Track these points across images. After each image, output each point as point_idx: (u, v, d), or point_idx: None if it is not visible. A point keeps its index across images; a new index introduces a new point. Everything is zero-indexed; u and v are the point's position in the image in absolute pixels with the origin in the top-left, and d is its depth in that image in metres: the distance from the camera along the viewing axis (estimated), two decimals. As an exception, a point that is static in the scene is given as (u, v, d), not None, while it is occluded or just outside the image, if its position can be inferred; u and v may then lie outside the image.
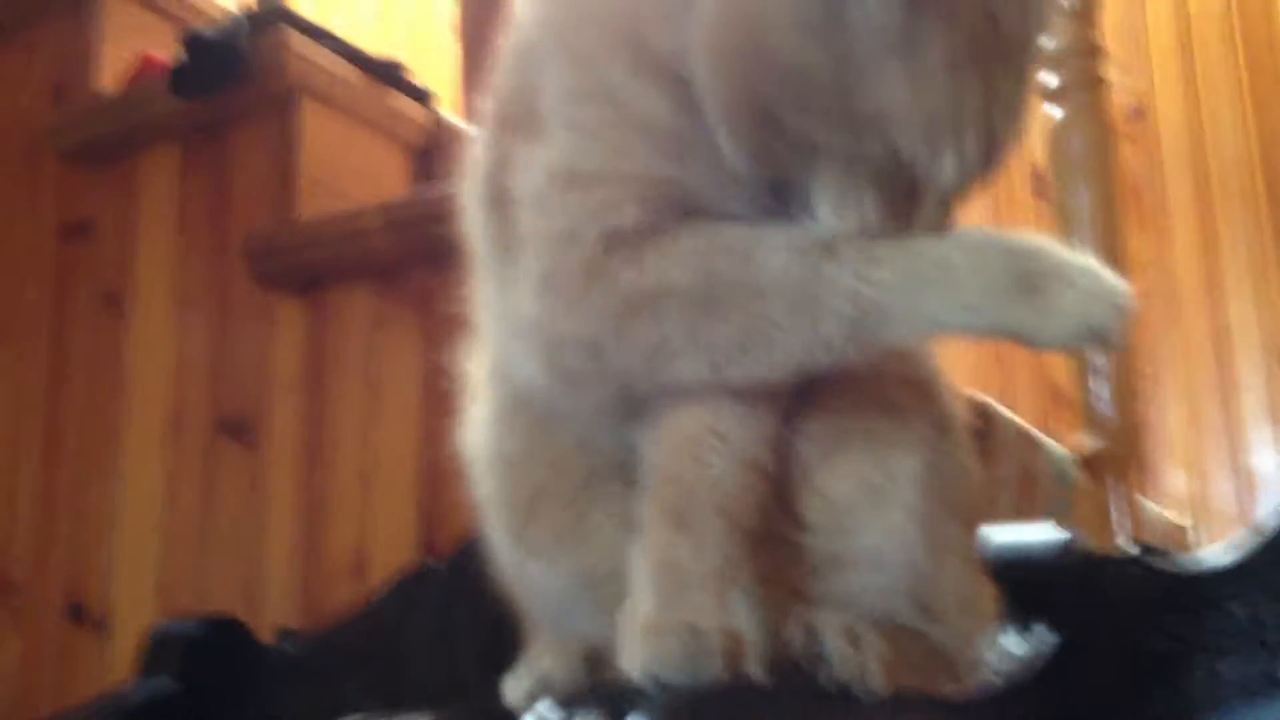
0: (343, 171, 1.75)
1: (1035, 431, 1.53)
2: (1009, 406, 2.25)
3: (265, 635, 1.37)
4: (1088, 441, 1.30)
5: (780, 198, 0.71)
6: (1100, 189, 1.31)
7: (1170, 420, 2.38)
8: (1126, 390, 1.27)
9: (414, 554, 1.47)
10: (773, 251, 0.70)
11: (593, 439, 0.79)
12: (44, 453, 1.80)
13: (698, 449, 0.73)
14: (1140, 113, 2.37)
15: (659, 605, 0.69)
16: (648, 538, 0.72)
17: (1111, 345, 0.70)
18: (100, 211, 1.86)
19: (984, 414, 1.54)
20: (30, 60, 1.97)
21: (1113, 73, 2.36)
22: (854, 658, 0.70)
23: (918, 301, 0.69)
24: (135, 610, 1.65)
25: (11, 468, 1.82)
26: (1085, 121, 1.34)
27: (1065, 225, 1.32)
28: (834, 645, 0.70)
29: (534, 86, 0.75)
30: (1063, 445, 1.45)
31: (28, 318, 1.88)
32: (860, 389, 0.77)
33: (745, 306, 0.70)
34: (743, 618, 0.72)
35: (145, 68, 1.88)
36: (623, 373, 0.73)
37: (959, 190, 0.70)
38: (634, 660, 0.68)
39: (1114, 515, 1.29)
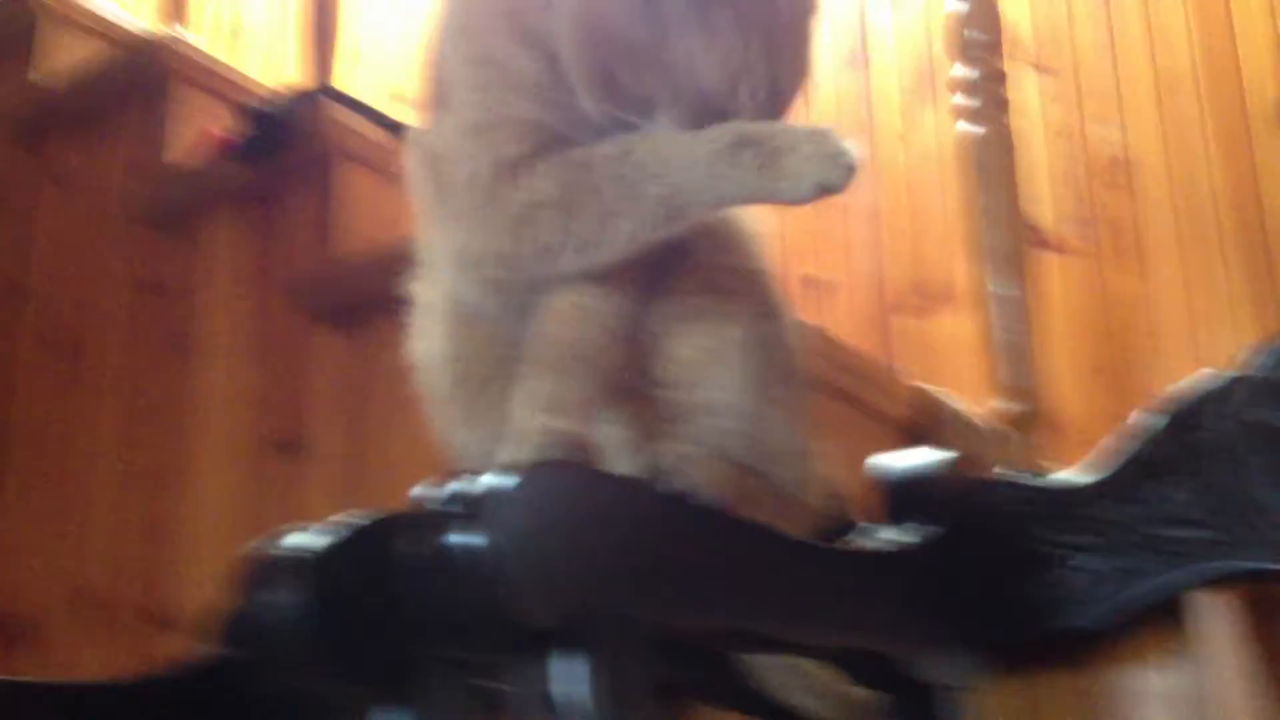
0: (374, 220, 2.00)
1: (977, 420, 1.72)
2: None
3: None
4: (994, 405, 1.48)
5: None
6: (1004, 190, 1.52)
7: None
8: (1020, 359, 1.45)
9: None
10: (601, 159, 0.91)
11: (502, 333, 0.99)
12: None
13: (566, 316, 0.93)
14: (1116, 161, 2.55)
15: (526, 418, 0.89)
16: (525, 381, 0.92)
17: (839, 192, 0.87)
18: (170, 269, 2.11)
19: (927, 401, 1.72)
20: (113, 140, 2.27)
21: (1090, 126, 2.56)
22: (698, 471, 0.88)
23: (695, 181, 0.89)
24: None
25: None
26: (992, 135, 1.55)
27: (977, 218, 1.52)
28: (682, 461, 0.89)
29: (443, 60, 0.98)
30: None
31: (98, 367, 2.13)
32: (698, 277, 0.97)
33: (591, 203, 0.91)
34: (599, 436, 0.92)
35: (207, 141, 2.16)
36: (525, 273, 0.94)
37: (756, 119, 0.91)
38: (504, 457, 0.86)
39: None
